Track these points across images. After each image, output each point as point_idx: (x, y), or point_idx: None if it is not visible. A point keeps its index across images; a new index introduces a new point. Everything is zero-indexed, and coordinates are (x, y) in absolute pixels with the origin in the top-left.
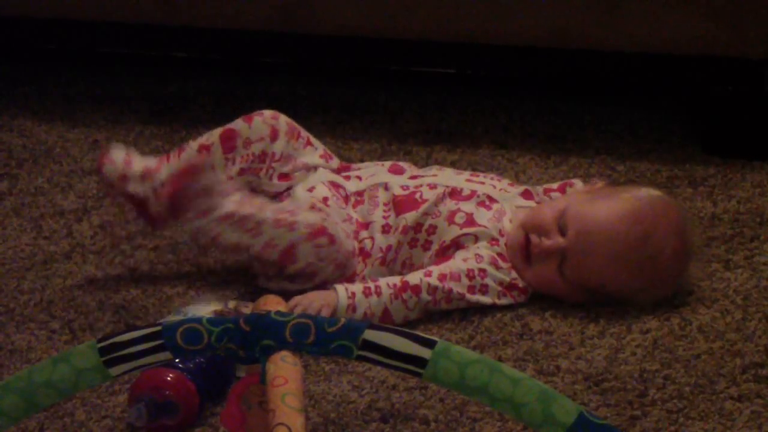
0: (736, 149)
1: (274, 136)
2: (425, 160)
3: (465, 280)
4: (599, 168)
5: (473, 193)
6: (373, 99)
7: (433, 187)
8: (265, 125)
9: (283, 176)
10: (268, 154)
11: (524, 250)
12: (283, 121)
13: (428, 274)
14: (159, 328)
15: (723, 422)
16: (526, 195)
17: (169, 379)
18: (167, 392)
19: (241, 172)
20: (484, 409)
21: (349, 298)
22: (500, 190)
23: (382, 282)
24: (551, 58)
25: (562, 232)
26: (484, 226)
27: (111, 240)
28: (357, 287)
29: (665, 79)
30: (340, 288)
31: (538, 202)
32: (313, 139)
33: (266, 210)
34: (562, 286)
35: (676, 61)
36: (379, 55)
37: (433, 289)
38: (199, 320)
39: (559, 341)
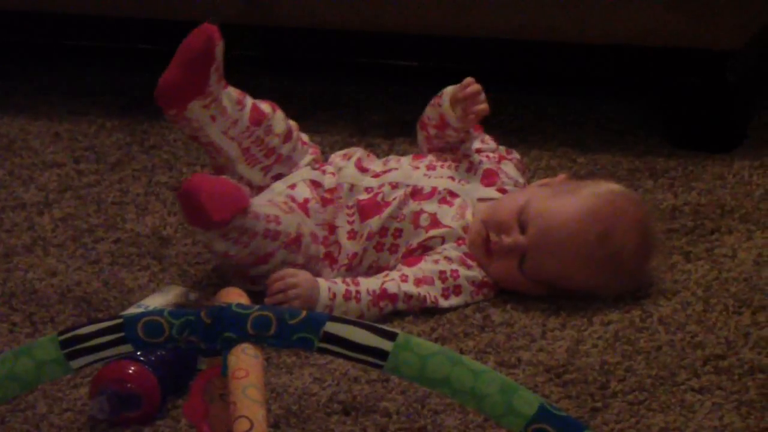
0: (699, 141)
1: (287, 137)
2: (386, 152)
3: (438, 283)
4: (560, 161)
5: (434, 190)
6: (337, 91)
7: (394, 186)
8: (284, 122)
9: (278, 176)
10: (275, 153)
11: (485, 246)
12: (294, 124)
13: (404, 279)
14: (120, 320)
15: (684, 414)
16: (488, 178)
17: (131, 371)
18: (129, 385)
19: (246, 150)
20: (446, 401)
21: (329, 299)
22: (460, 181)
23: (362, 288)
24: (515, 50)
25: (522, 229)
26: (449, 227)
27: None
28: (339, 289)
29: (629, 71)
30: (323, 287)
31: (501, 188)
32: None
33: (260, 221)
34: (524, 281)
35: (640, 53)
36: (344, 47)
37: (408, 297)
38: (160, 313)
39: (520, 333)
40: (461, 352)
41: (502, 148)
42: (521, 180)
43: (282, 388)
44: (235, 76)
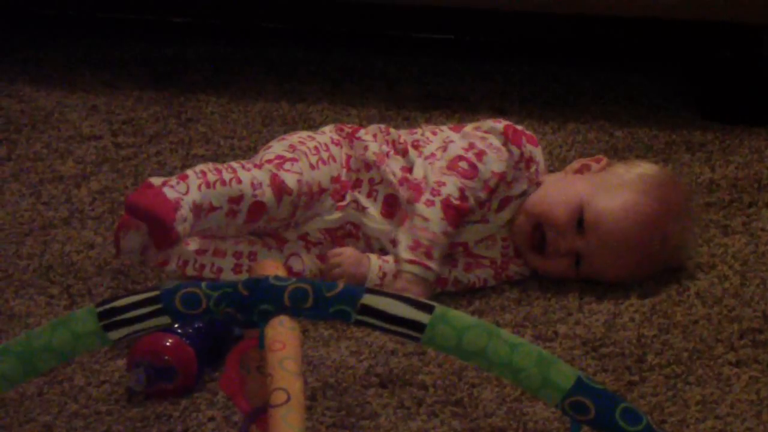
0: (734, 115)
1: (293, 214)
2: (425, 123)
3: (489, 270)
4: (597, 134)
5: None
6: (371, 64)
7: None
8: (291, 206)
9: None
10: (280, 225)
11: (533, 240)
12: (307, 189)
13: (454, 265)
14: (158, 292)
15: (721, 387)
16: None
17: (167, 344)
18: (166, 357)
19: (253, 231)
20: (483, 374)
21: (379, 278)
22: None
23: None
24: (550, 23)
25: (580, 230)
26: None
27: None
28: (390, 268)
29: (664, 45)
30: (374, 265)
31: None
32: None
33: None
34: (572, 277)
35: (675, 27)
36: (377, 20)
37: (457, 282)
38: (197, 284)
39: (557, 307)
40: (498, 325)
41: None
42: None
43: (319, 361)
44: (266, 48)
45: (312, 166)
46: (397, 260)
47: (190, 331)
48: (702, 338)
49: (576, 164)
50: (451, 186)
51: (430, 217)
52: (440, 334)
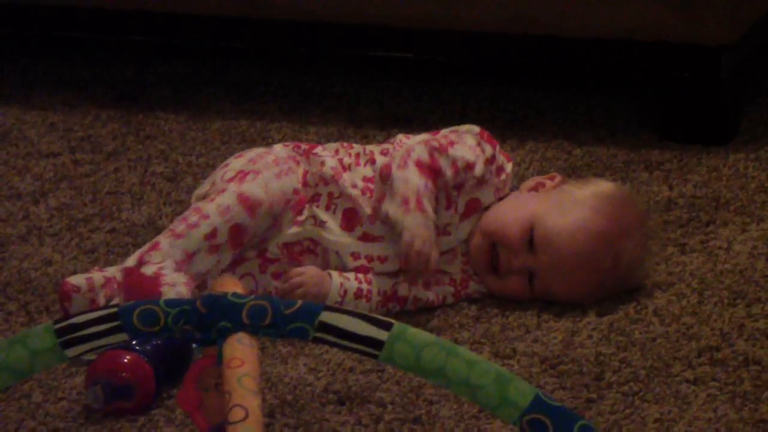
0: (692, 135)
1: (274, 224)
2: (382, 143)
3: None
4: (555, 152)
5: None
6: (331, 84)
7: (383, 260)
8: (268, 216)
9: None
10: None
11: (490, 261)
12: (279, 197)
13: (414, 283)
14: (115, 309)
15: (679, 405)
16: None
17: (125, 361)
18: (124, 374)
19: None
20: (441, 391)
21: (339, 296)
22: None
23: (374, 287)
24: (508, 44)
25: (532, 248)
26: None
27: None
28: (351, 286)
29: (623, 66)
30: (335, 283)
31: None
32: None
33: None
34: (527, 295)
35: (633, 48)
36: (336, 40)
37: (417, 300)
38: (155, 302)
39: (515, 324)
40: (456, 342)
41: None
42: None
43: (277, 378)
44: (226, 68)
45: (276, 176)
46: (395, 222)
47: (149, 348)
48: (660, 356)
49: (531, 182)
50: (420, 151)
51: (407, 176)
52: (398, 351)
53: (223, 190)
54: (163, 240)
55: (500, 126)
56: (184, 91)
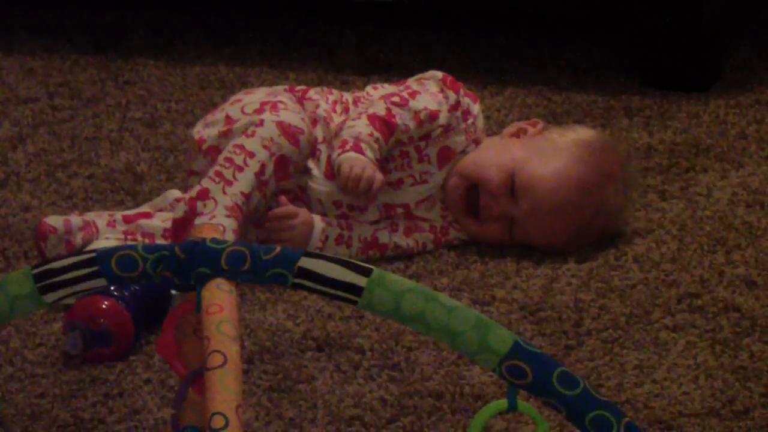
0: (673, 81)
1: (313, 152)
2: (362, 89)
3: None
4: (535, 99)
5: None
6: (311, 30)
7: (363, 210)
8: (308, 144)
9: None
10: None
11: (466, 203)
12: (311, 128)
13: (395, 229)
14: (93, 254)
15: (658, 352)
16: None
17: (104, 307)
18: (102, 320)
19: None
20: (420, 338)
21: (321, 241)
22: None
23: (354, 233)
24: None
25: (513, 195)
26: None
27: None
28: (332, 232)
29: (603, 12)
30: (317, 229)
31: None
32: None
33: None
34: (507, 241)
35: None
36: None
37: (397, 247)
38: (134, 247)
39: (495, 271)
40: (435, 289)
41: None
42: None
43: (256, 324)
44: (205, 14)
45: (299, 110)
46: (333, 163)
47: (127, 294)
48: (639, 303)
49: (512, 128)
50: (377, 106)
51: (355, 124)
52: (377, 297)
53: (261, 122)
54: (212, 186)
55: (481, 72)
56: (164, 36)
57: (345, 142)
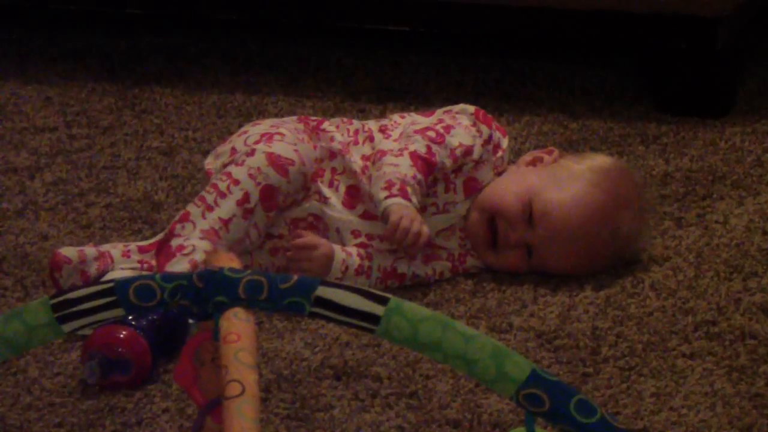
0: (688, 107)
1: (305, 184)
2: (379, 116)
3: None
4: (552, 126)
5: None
6: (327, 57)
7: (383, 239)
8: (300, 175)
9: None
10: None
11: (487, 235)
12: (307, 160)
13: (413, 257)
14: (111, 284)
15: (675, 379)
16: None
17: (121, 336)
18: (120, 349)
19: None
20: (437, 366)
21: (341, 272)
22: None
23: (374, 264)
24: (505, 15)
25: (530, 222)
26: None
27: None
28: (352, 263)
29: (619, 38)
30: (338, 259)
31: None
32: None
33: None
34: (525, 269)
35: (629, 19)
36: (332, 11)
37: (416, 276)
38: (152, 276)
39: (511, 298)
40: (452, 317)
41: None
42: None
43: (273, 353)
44: (222, 40)
45: (301, 140)
46: (377, 203)
47: (144, 323)
48: (656, 330)
49: (528, 156)
50: (418, 143)
51: (399, 162)
52: (395, 325)
53: (253, 152)
54: (194, 210)
55: (497, 98)
56: (179, 63)
57: (391, 185)
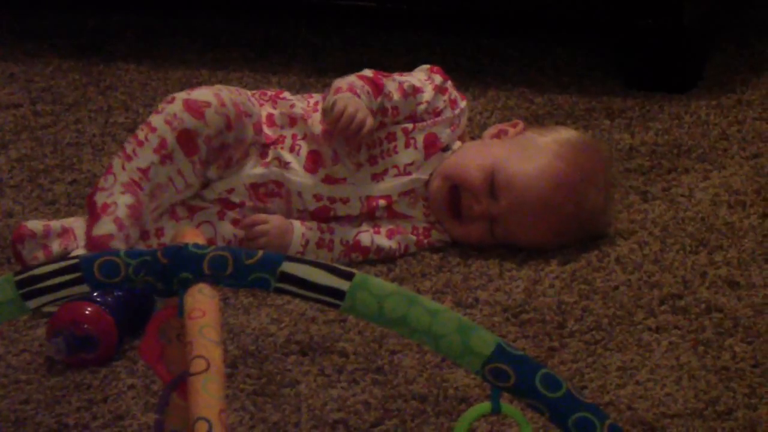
0: (656, 83)
1: (228, 125)
2: None
3: (412, 237)
4: (517, 101)
5: (389, 198)
6: (295, 33)
7: (345, 201)
8: (220, 116)
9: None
10: (225, 144)
11: (450, 204)
12: (230, 102)
13: (377, 231)
14: (76, 260)
15: (641, 353)
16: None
17: (87, 312)
18: (86, 326)
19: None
20: (403, 341)
21: (301, 245)
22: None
23: (336, 237)
24: None
25: (493, 194)
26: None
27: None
28: (312, 236)
29: (586, 13)
30: (297, 233)
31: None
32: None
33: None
34: (489, 242)
35: None
36: None
37: (380, 250)
38: (116, 253)
39: (477, 273)
40: (418, 292)
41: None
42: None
43: (239, 329)
44: (189, 18)
45: (229, 90)
46: (326, 102)
47: (110, 299)
48: (622, 304)
49: (493, 129)
50: (365, 72)
51: (346, 77)
52: (360, 301)
53: (172, 99)
54: (115, 162)
55: (463, 74)
56: (146, 40)
57: (339, 88)
